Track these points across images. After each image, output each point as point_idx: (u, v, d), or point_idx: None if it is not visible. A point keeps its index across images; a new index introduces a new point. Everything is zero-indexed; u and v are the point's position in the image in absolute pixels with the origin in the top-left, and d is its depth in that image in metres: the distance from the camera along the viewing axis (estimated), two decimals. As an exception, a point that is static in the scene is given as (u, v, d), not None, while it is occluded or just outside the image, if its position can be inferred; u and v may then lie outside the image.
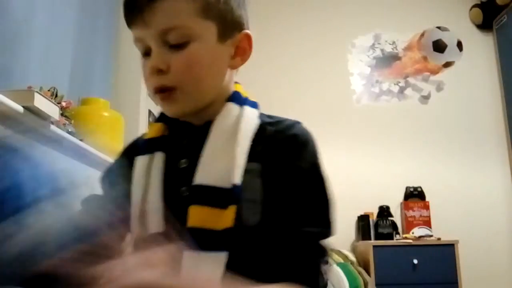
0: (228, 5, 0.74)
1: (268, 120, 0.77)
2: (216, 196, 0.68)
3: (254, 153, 0.71)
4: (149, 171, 0.75)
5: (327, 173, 0.75)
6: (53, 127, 1.48)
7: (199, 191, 0.69)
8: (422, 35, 3.62)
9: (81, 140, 1.74)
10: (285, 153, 0.72)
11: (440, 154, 3.45)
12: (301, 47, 3.62)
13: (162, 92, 0.72)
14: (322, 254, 0.72)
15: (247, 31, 0.78)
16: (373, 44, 3.68)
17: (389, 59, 3.65)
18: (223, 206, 0.67)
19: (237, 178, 0.68)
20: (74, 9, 2.15)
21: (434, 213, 3.27)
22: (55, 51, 1.93)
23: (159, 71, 0.71)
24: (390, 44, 3.67)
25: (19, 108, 1.27)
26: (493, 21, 3.62)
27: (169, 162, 0.76)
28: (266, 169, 0.71)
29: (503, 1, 3.43)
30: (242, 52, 0.77)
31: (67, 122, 1.74)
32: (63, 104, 1.74)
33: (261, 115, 0.78)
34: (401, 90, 3.60)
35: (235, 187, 0.68)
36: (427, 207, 3.28)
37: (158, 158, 0.76)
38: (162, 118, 0.81)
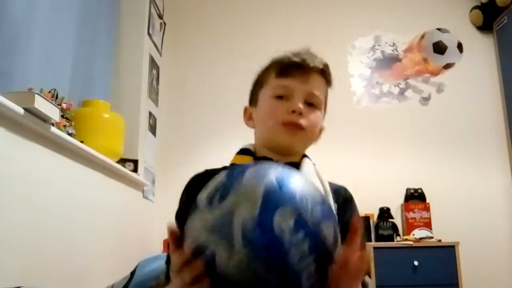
0: (327, 94, 1.06)
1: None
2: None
3: None
4: None
5: None
6: (53, 129, 1.49)
7: None
8: (423, 36, 3.62)
9: (81, 142, 1.74)
10: (349, 207, 0.96)
11: (441, 156, 3.45)
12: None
13: (292, 125, 0.95)
14: None
15: (323, 126, 1.08)
16: (374, 46, 3.68)
17: (389, 61, 3.66)
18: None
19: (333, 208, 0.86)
20: (74, 11, 2.15)
21: (435, 214, 3.26)
22: (56, 53, 1.93)
23: (299, 113, 0.95)
24: (390, 45, 3.67)
25: (20, 110, 1.27)
26: (493, 22, 3.62)
27: None
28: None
29: (503, 2, 3.44)
30: (319, 133, 1.06)
31: (68, 124, 1.74)
32: (64, 106, 1.74)
33: None
34: (402, 91, 3.60)
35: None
36: (427, 209, 3.28)
37: None
38: (246, 152, 1.02)
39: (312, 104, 0.98)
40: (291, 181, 0.65)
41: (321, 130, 1.05)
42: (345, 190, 1.02)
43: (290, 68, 0.98)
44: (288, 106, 0.95)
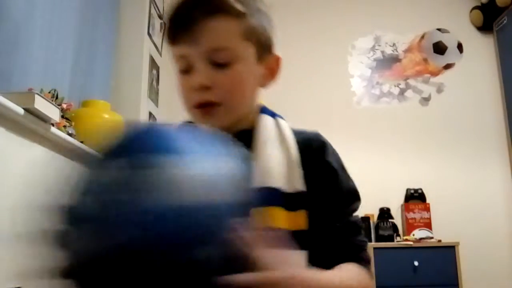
0: (264, 29, 0.81)
1: (296, 131, 0.84)
2: (289, 200, 0.73)
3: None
4: None
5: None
6: (53, 129, 1.49)
7: (271, 193, 0.72)
8: (423, 37, 3.62)
9: (81, 142, 1.74)
10: (321, 159, 0.81)
11: (441, 156, 3.45)
12: (301, 49, 3.62)
13: (204, 107, 0.76)
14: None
15: (278, 54, 0.85)
16: (374, 46, 3.68)
17: (389, 61, 3.66)
18: (295, 209, 0.73)
19: (298, 183, 0.75)
20: (74, 11, 2.15)
21: (435, 215, 3.26)
22: (56, 53, 1.93)
23: (205, 88, 0.75)
24: (390, 46, 3.67)
25: (20, 110, 1.27)
26: (493, 23, 3.62)
27: None
28: (307, 175, 0.77)
29: (503, 3, 3.44)
30: (272, 73, 0.84)
31: (68, 124, 1.74)
32: (64, 106, 1.74)
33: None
34: (402, 92, 3.60)
35: (302, 192, 0.74)
36: (427, 209, 3.28)
37: None
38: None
39: (225, 62, 0.75)
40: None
41: (269, 73, 0.83)
42: (317, 138, 0.85)
43: (174, 29, 0.76)
44: (191, 82, 0.76)
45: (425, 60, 3.59)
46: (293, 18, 3.68)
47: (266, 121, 0.82)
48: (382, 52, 3.67)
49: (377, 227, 3.17)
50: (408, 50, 3.65)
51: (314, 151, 0.81)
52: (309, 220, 0.74)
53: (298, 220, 0.73)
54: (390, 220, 3.20)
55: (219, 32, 0.74)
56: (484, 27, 3.65)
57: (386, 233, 3.13)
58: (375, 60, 3.66)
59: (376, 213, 3.26)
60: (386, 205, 3.27)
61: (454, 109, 3.55)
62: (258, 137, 0.79)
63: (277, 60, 0.84)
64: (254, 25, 0.78)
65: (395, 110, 3.56)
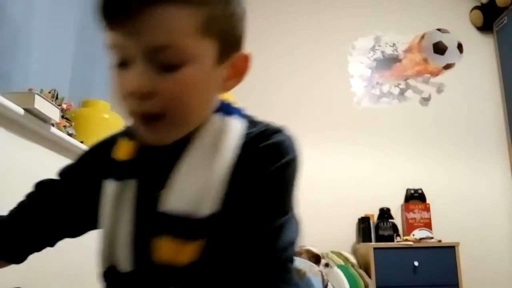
0: (232, 21, 0.63)
1: (252, 130, 0.67)
2: (183, 227, 0.60)
3: (235, 172, 0.63)
4: (119, 201, 0.68)
5: (297, 194, 0.68)
6: (53, 129, 1.49)
7: (165, 220, 0.61)
8: (423, 37, 3.62)
9: (81, 142, 1.74)
10: (257, 168, 0.63)
11: (441, 156, 3.45)
12: (301, 49, 3.62)
13: (143, 118, 0.61)
14: (281, 267, 0.63)
15: (247, 52, 0.68)
16: (374, 46, 3.68)
17: (389, 61, 3.66)
18: (191, 238, 0.60)
19: (209, 206, 0.60)
20: (74, 11, 2.15)
21: (435, 215, 3.26)
22: (56, 53, 1.93)
23: (143, 95, 0.58)
24: (390, 46, 3.67)
25: (20, 110, 1.27)
26: (494, 23, 3.62)
27: (143, 189, 0.69)
28: (236, 189, 0.62)
29: (503, 3, 3.43)
30: (237, 73, 0.68)
31: (68, 124, 1.74)
32: (64, 106, 1.74)
33: (248, 122, 0.69)
34: (402, 92, 3.60)
35: (209, 217, 0.60)
36: (427, 209, 3.28)
37: (130, 187, 0.68)
38: (130, 134, 0.70)
39: (171, 64, 0.58)
40: None
41: (234, 74, 0.67)
42: (268, 138, 0.65)
43: (108, 9, 0.57)
44: (127, 83, 0.59)
45: (425, 60, 3.59)
46: (293, 18, 3.68)
47: (209, 125, 0.66)
48: (382, 52, 3.67)
49: (377, 227, 3.17)
50: (408, 50, 3.65)
51: (254, 156, 0.64)
52: (210, 248, 0.61)
53: (188, 251, 0.60)
54: (390, 220, 3.19)
55: (166, 25, 0.56)
56: (484, 27, 3.65)
57: (386, 233, 3.13)
58: (375, 60, 3.66)
59: (376, 213, 3.26)
60: (386, 205, 3.27)
61: (454, 109, 3.55)
62: (188, 148, 0.64)
63: (245, 58, 0.68)
64: (217, 16, 0.60)
65: (395, 110, 3.56)
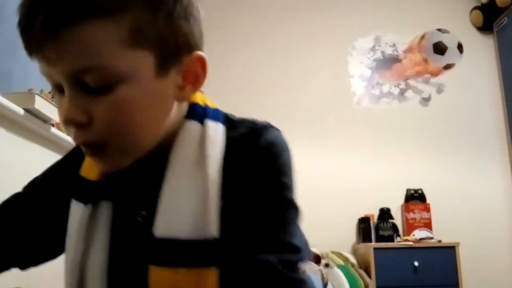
0: (170, 23, 0.53)
1: (234, 133, 0.61)
2: (190, 253, 0.53)
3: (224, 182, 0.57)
4: (92, 225, 0.61)
5: (297, 195, 0.62)
6: (53, 130, 1.49)
7: (165, 246, 0.54)
8: (423, 37, 3.62)
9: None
10: (248, 173, 0.57)
11: (441, 156, 3.45)
12: (301, 49, 3.62)
13: (86, 147, 0.55)
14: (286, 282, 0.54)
15: (198, 52, 0.58)
16: (374, 46, 3.68)
17: (389, 61, 3.65)
18: (204, 264, 0.54)
19: (213, 226, 0.54)
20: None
21: (435, 215, 3.26)
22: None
23: (77, 124, 0.52)
24: (390, 46, 3.67)
25: (20, 110, 1.27)
26: (494, 23, 3.62)
27: (120, 212, 0.61)
28: (229, 198, 0.56)
29: (503, 3, 3.43)
30: (193, 78, 0.58)
31: (68, 124, 1.73)
32: (64, 106, 1.74)
33: (226, 122, 0.63)
34: (402, 92, 3.60)
35: (214, 240, 0.54)
36: (427, 209, 3.28)
37: (105, 209, 0.61)
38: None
39: (100, 86, 0.51)
40: None
41: (191, 79, 0.58)
42: (254, 138, 0.59)
43: (23, 39, 0.52)
44: (60, 111, 0.54)
45: (425, 60, 3.59)
46: (293, 19, 3.68)
47: (186, 135, 0.59)
48: (382, 52, 3.67)
49: (377, 227, 3.17)
50: (408, 51, 3.65)
51: (248, 160, 0.58)
52: (224, 277, 0.54)
53: (203, 280, 0.53)
54: (390, 220, 3.19)
55: (84, 46, 0.48)
56: (484, 28, 3.65)
57: (386, 233, 3.13)
58: (375, 60, 3.66)
59: (376, 213, 3.26)
60: (386, 205, 3.27)
61: (454, 109, 3.55)
62: (169, 163, 0.57)
63: (198, 60, 0.58)
64: (145, 22, 0.51)
65: (395, 111, 3.56)
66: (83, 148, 0.56)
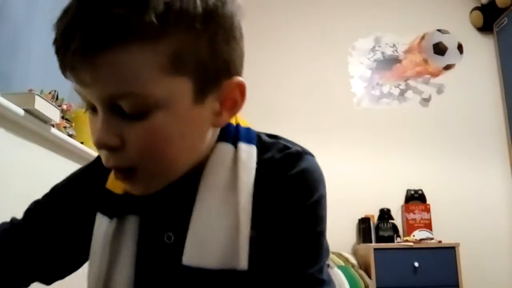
0: (211, 49, 0.51)
1: (267, 156, 0.59)
2: (218, 283, 0.53)
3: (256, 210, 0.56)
4: (118, 239, 0.60)
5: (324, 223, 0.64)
6: (53, 130, 1.48)
7: (193, 274, 0.53)
8: (423, 37, 3.62)
9: (81, 143, 1.74)
10: (280, 203, 0.56)
11: (441, 157, 3.45)
12: (301, 50, 3.62)
13: (119, 171, 0.54)
14: None
15: (237, 78, 0.55)
16: (374, 47, 3.68)
17: (389, 62, 3.65)
18: None
19: (244, 256, 0.53)
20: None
21: (435, 215, 3.26)
22: (56, 54, 1.93)
23: (110, 148, 0.51)
24: (390, 46, 3.67)
25: (20, 111, 1.27)
26: (494, 23, 3.62)
27: (145, 228, 0.60)
28: (262, 226, 0.55)
29: (503, 3, 3.43)
30: (231, 105, 0.56)
31: (68, 125, 1.74)
32: (64, 107, 1.74)
33: (260, 145, 0.61)
34: (402, 92, 3.60)
35: (243, 272, 0.53)
36: (428, 210, 3.28)
37: (131, 224, 0.60)
38: None
39: (136, 113, 0.49)
40: None
41: (228, 106, 0.56)
42: (288, 167, 0.57)
43: (57, 57, 0.49)
44: (93, 132, 0.54)
45: (425, 61, 3.59)
46: (294, 19, 3.68)
47: (218, 158, 0.57)
48: (382, 53, 3.67)
49: (377, 228, 3.17)
50: (408, 51, 3.65)
51: (280, 189, 0.56)
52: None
53: None
54: (390, 221, 3.19)
55: (122, 71, 0.47)
56: (484, 28, 3.65)
57: (386, 234, 3.13)
58: (375, 61, 3.66)
59: (376, 214, 3.26)
60: (386, 206, 3.27)
61: (454, 110, 3.55)
62: (200, 186, 0.56)
63: (237, 86, 0.55)
64: (186, 48, 0.49)
65: (395, 111, 3.56)
66: (113, 171, 0.55)
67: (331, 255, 3.00)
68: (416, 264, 2.86)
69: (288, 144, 0.61)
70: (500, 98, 3.57)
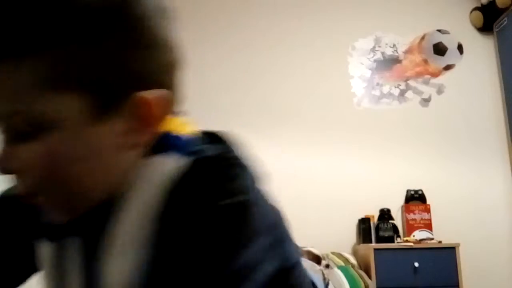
0: (112, 60, 0.45)
1: (191, 172, 0.48)
2: None
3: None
4: (61, 262, 0.55)
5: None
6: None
7: None
8: (423, 38, 3.62)
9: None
10: (174, 224, 0.46)
11: (441, 157, 3.45)
12: (301, 50, 3.62)
13: (23, 198, 0.48)
14: None
15: (155, 91, 0.47)
16: (374, 47, 3.68)
17: (389, 62, 3.65)
18: None
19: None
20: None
21: (435, 216, 3.26)
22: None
23: (7, 172, 0.47)
24: (390, 47, 3.67)
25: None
26: (494, 24, 3.62)
27: (87, 247, 0.54)
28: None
29: (503, 4, 3.43)
30: (145, 122, 0.48)
31: None
32: None
33: (189, 153, 0.50)
34: (402, 93, 3.60)
35: None
36: (428, 210, 3.28)
37: (72, 246, 0.54)
38: None
39: (28, 132, 0.45)
40: None
41: (140, 125, 0.48)
42: (186, 176, 0.48)
43: None
44: None
45: (425, 61, 3.59)
46: (293, 19, 3.68)
47: (138, 175, 0.49)
48: (382, 53, 3.67)
49: (377, 228, 3.17)
50: (408, 51, 3.65)
51: (173, 206, 0.46)
52: None
53: None
54: (390, 221, 3.19)
55: (2, 89, 0.44)
56: (484, 28, 3.65)
57: (386, 234, 3.12)
58: (375, 61, 3.66)
59: (376, 214, 3.26)
60: (386, 206, 3.27)
61: (454, 110, 3.55)
62: (112, 216, 0.49)
63: (156, 99, 0.48)
64: (79, 59, 0.44)
65: (395, 111, 3.56)
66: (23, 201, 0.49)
67: (331, 256, 3.00)
68: (416, 264, 2.86)
69: (219, 155, 0.51)
70: (500, 98, 3.57)
